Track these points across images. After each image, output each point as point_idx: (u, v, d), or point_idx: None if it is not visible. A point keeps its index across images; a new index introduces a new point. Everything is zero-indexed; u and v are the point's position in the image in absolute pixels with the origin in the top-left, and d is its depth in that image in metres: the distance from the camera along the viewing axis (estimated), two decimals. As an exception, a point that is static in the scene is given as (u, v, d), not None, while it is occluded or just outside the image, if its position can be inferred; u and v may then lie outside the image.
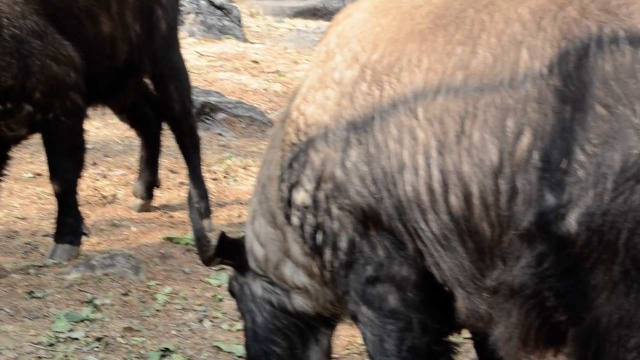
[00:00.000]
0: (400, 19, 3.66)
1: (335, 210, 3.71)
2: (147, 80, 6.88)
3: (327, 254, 3.82)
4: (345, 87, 3.67)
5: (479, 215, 3.27)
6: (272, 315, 4.24)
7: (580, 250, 3.08)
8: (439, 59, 3.41)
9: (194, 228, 4.36)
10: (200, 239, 4.31)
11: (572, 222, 3.07)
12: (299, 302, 4.19)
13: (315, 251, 3.88)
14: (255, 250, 4.24)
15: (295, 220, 3.90)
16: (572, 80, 3.11)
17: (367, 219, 3.62)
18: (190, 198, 4.50)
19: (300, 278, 4.12)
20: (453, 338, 3.95)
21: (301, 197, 3.82)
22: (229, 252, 4.30)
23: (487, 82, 3.26)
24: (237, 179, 8.17)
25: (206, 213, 6.99)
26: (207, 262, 4.41)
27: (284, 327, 4.25)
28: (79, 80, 5.85)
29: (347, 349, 5.36)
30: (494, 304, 3.39)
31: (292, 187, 3.86)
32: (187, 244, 6.57)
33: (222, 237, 4.25)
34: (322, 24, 21.30)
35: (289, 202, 3.91)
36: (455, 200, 3.31)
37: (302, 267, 4.08)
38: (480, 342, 4.02)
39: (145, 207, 7.33)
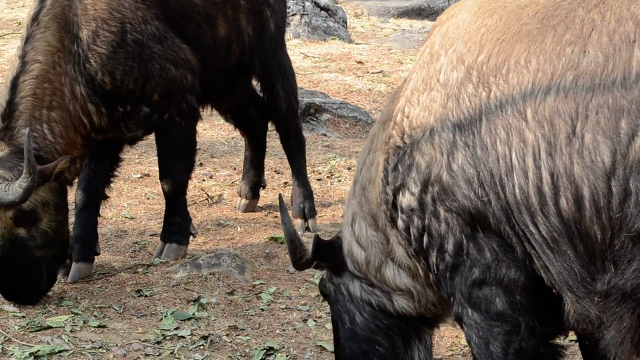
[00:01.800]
0: (506, 19, 3.62)
1: (442, 213, 3.69)
2: (252, 81, 6.94)
3: (433, 257, 3.81)
4: (451, 89, 3.66)
5: (590, 217, 3.23)
6: (373, 315, 4.24)
7: None
8: (548, 60, 3.38)
9: (285, 232, 4.37)
10: (294, 242, 4.33)
11: None
12: (401, 304, 4.19)
13: (421, 254, 3.87)
14: (355, 252, 4.24)
15: (400, 223, 3.90)
16: None
17: (475, 222, 3.61)
18: (281, 201, 4.50)
19: (402, 280, 4.11)
20: (559, 341, 3.89)
21: (407, 200, 3.82)
22: (324, 254, 4.31)
23: (598, 82, 3.22)
24: (342, 180, 8.18)
25: (311, 213, 7.01)
26: (301, 266, 4.42)
27: (385, 327, 4.25)
28: (195, 83, 5.96)
29: (451, 350, 5.32)
30: (605, 308, 3.34)
31: (398, 190, 3.86)
32: (291, 243, 6.61)
33: (318, 240, 4.27)
34: (427, 23, 21.19)
35: (394, 205, 3.91)
36: (565, 203, 3.28)
37: (405, 269, 4.08)
38: (590, 345, 3.95)
39: (251, 207, 7.38)
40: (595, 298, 3.35)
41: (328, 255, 4.33)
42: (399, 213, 3.88)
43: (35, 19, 5.39)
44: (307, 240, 4.38)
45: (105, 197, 6.28)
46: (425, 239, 3.80)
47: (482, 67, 3.57)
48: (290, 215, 7.11)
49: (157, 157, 6.29)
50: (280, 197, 4.54)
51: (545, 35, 3.43)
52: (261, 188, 7.51)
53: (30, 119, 5.24)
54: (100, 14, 5.52)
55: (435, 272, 3.84)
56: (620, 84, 3.17)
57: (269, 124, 7.28)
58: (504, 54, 3.52)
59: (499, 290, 3.65)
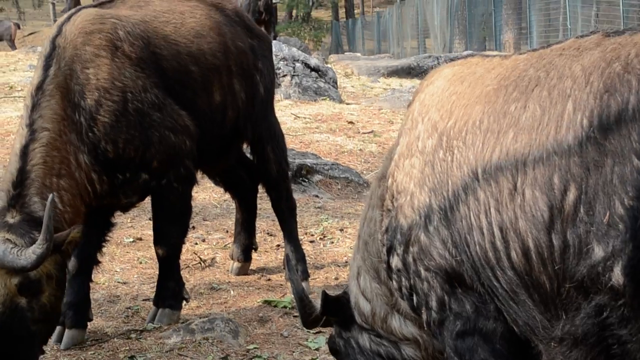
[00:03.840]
0: (474, 84, 3.77)
1: (423, 272, 3.82)
2: (245, 144, 6.99)
3: (424, 313, 3.91)
4: (427, 156, 3.81)
5: (538, 269, 3.34)
6: None
7: (631, 300, 3.12)
8: (496, 119, 3.52)
9: (294, 290, 4.45)
10: (302, 300, 4.42)
11: (618, 273, 3.11)
12: (409, 353, 4.27)
13: (415, 311, 3.99)
14: (361, 305, 4.34)
15: (394, 282, 4.04)
16: (612, 133, 3.16)
17: (452, 279, 3.73)
18: (288, 260, 4.56)
19: (409, 329, 4.21)
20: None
21: (395, 261, 3.97)
22: (333, 309, 4.41)
23: (535, 137, 3.34)
24: (334, 241, 8.19)
25: (304, 276, 7.01)
26: (310, 323, 4.51)
27: None
28: (194, 148, 6.01)
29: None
30: (562, 353, 3.43)
31: (389, 251, 4.00)
32: (285, 307, 6.59)
33: (326, 296, 4.36)
34: (416, 82, 21.37)
35: (388, 265, 4.05)
36: (516, 256, 3.39)
37: (411, 319, 4.17)
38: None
39: (243, 270, 7.38)
40: (553, 343, 3.45)
41: (336, 310, 4.42)
42: (392, 273, 4.02)
43: (39, 87, 5.44)
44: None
45: (98, 262, 6.26)
46: (414, 297, 3.93)
47: (450, 132, 3.71)
48: (283, 277, 7.14)
49: (150, 221, 6.30)
50: (286, 257, 4.62)
51: (498, 96, 3.57)
52: (253, 250, 7.52)
53: (42, 187, 5.25)
54: (102, 84, 5.58)
55: (428, 327, 3.96)
56: (552, 138, 3.29)
57: (260, 187, 7.30)
58: (466, 117, 3.66)
59: (480, 340, 3.74)
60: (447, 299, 3.77)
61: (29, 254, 4.82)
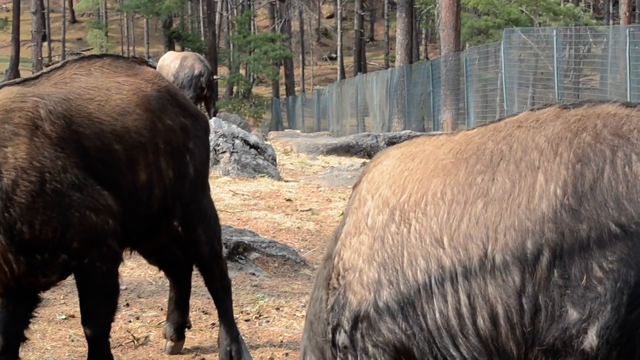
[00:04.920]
0: (425, 160, 3.86)
1: (370, 349, 3.81)
2: (175, 224, 6.91)
3: None
4: (377, 231, 3.82)
5: (506, 334, 3.39)
6: None
7: None
8: (461, 190, 3.60)
9: None
10: None
11: (593, 335, 3.20)
12: None
13: None
14: None
15: None
16: (587, 200, 3.30)
17: (400, 355, 3.71)
18: (222, 340, 4.49)
19: None
20: None
21: (342, 338, 3.94)
22: None
23: (505, 206, 3.44)
24: (270, 320, 8.12)
25: (238, 356, 6.92)
26: None
27: None
28: (117, 227, 5.90)
29: None
30: None
31: (335, 329, 3.98)
32: (218, 387, 6.51)
33: None
34: (355, 160, 21.55)
35: (333, 343, 4.03)
36: (482, 322, 3.43)
37: None
38: None
39: (177, 349, 7.27)
40: None
41: None
42: (337, 351, 4.00)
43: None
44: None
45: (25, 339, 6.12)
46: None
47: (404, 205, 3.76)
48: (217, 357, 7.05)
49: (80, 300, 6.19)
50: (220, 336, 4.59)
51: (459, 168, 3.66)
52: (187, 329, 7.43)
53: None
54: (20, 163, 5.46)
55: None
56: (525, 207, 3.39)
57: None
58: (423, 189, 3.73)
59: None
60: None
61: None
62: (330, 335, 4.02)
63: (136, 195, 6.13)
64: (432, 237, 3.60)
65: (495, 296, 3.38)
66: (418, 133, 25.72)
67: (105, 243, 5.83)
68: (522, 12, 40.74)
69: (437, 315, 3.54)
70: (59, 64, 6.42)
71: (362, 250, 3.86)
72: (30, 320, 6.08)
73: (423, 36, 74.12)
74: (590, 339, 3.21)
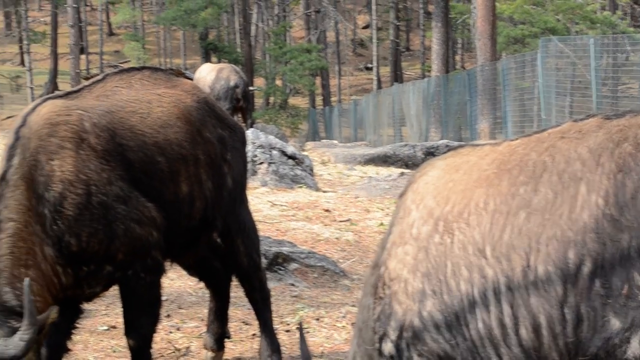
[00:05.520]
0: (469, 171, 3.90)
1: (415, 358, 3.86)
2: (214, 235, 6.94)
3: None
4: (421, 242, 3.87)
5: (548, 344, 3.41)
6: None
7: None
8: (504, 201, 3.63)
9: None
10: None
11: (636, 344, 3.21)
12: None
13: None
14: None
15: None
16: (629, 209, 3.32)
17: None
18: (301, 330, 4.54)
19: None
20: None
21: (388, 347, 3.99)
22: None
23: (548, 217, 3.47)
24: (310, 331, 8.13)
25: (278, 366, 6.94)
26: None
27: None
28: (160, 239, 5.95)
29: None
30: None
31: (381, 338, 4.04)
32: (259, 397, 6.52)
33: None
34: (393, 170, 21.51)
35: (380, 352, 4.08)
36: (525, 332, 3.46)
37: None
38: None
39: (218, 360, 7.31)
40: None
41: None
42: None
43: (3, 178, 5.39)
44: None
45: (68, 350, 6.18)
46: None
47: (448, 216, 3.80)
48: (258, 368, 7.07)
49: (123, 311, 6.24)
50: (300, 325, 4.65)
51: (501, 179, 3.70)
52: (227, 339, 7.45)
53: (11, 277, 5.19)
54: (67, 176, 5.53)
55: None
56: (567, 217, 3.42)
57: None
58: (466, 200, 3.77)
59: None
60: None
61: (16, 342, 4.75)
62: (377, 344, 4.07)
63: (178, 207, 6.18)
64: (475, 248, 3.63)
65: (538, 306, 3.40)
66: (455, 143, 25.63)
67: (149, 254, 5.88)
68: (559, 20, 40.55)
69: (480, 325, 3.57)
70: (99, 77, 6.49)
71: (406, 261, 3.91)
72: (73, 331, 6.14)
73: (459, 46, 73.96)
74: (634, 348, 3.22)
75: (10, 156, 5.46)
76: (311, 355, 4.47)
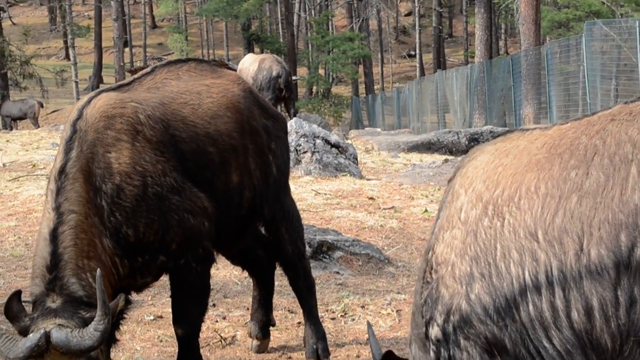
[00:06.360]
0: (519, 155, 3.91)
1: (462, 342, 3.87)
2: (259, 224, 6.98)
3: None
4: (470, 226, 3.89)
5: (600, 327, 3.44)
6: None
7: None
8: (556, 185, 3.64)
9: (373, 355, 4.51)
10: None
11: None
12: None
13: None
14: None
15: (432, 354, 4.09)
16: None
17: (492, 347, 3.77)
18: (369, 327, 4.66)
19: None
20: None
21: (435, 331, 4.02)
22: None
23: (600, 200, 3.48)
24: (355, 318, 8.14)
25: (324, 354, 6.96)
26: None
27: None
28: (212, 228, 6.00)
29: None
30: None
31: (428, 322, 4.07)
32: (305, 385, 6.54)
33: (388, 355, 4.36)
34: (437, 157, 21.43)
35: (427, 336, 4.11)
36: (576, 315, 3.49)
37: None
38: None
39: (263, 348, 7.34)
40: None
41: None
42: (430, 344, 4.09)
43: (62, 171, 5.46)
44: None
45: (116, 341, 6.23)
46: None
47: (497, 200, 3.82)
48: (304, 355, 7.08)
49: (170, 300, 6.28)
50: (368, 323, 4.77)
51: (552, 163, 3.72)
52: (272, 327, 7.48)
53: (76, 268, 5.25)
54: (124, 168, 5.60)
55: None
56: (618, 199, 3.44)
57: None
58: (516, 184, 3.79)
59: None
60: None
61: (92, 332, 4.81)
62: (423, 329, 4.10)
63: (229, 196, 6.24)
64: (527, 231, 3.64)
65: (591, 289, 3.42)
66: (499, 128, 25.47)
67: (201, 244, 5.93)
68: (603, 3, 40.10)
69: (531, 307, 3.59)
70: (148, 70, 6.57)
71: (454, 245, 3.93)
72: (121, 321, 6.19)
73: (502, 31, 73.46)
74: None
75: (68, 149, 5.54)
76: (381, 352, 4.49)
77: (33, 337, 4.78)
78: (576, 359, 3.52)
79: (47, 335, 4.78)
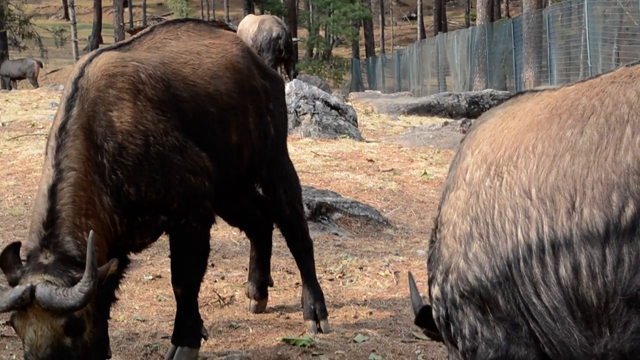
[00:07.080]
0: (524, 117, 3.94)
1: (458, 299, 3.93)
2: (257, 184, 6.99)
3: (459, 343, 4.01)
4: (473, 187, 3.94)
5: (587, 283, 3.47)
6: None
7: None
8: (551, 144, 3.68)
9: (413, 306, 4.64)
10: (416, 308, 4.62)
11: None
12: None
13: (451, 342, 4.10)
14: None
15: (434, 313, 4.16)
16: None
17: (485, 304, 3.83)
18: (410, 277, 4.72)
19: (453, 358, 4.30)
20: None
21: (435, 290, 4.09)
22: (427, 324, 4.45)
23: (593, 159, 3.51)
24: (353, 279, 8.17)
25: (322, 314, 6.99)
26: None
27: None
28: (212, 188, 6.00)
29: None
30: None
31: (430, 281, 4.14)
32: (303, 345, 6.57)
33: (425, 309, 4.44)
34: (437, 120, 21.41)
35: (430, 295, 4.18)
36: (564, 271, 3.52)
37: (452, 351, 4.23)
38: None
39: (261, 308, 7.37)
40: None
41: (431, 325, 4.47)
42: (432, 303, 4.16)
43: (63, 128, 5.45)
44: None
45: (115, 300, 6.26)
46: (451, 327, 4.04)
47: (499, 160, 3.86)
48: (302, 316, 7.12)
49: (169, 260, 6.30)
50: (410, 274, 4.86)
51: (552, 123, 3.74)
52: (269, 287, 7.51)
53: (72, 226, 5.24)
54: (125, 127, 5.58)
55: (464, 357, 4.02)
56: (611, 159, 3.45)
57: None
58: (517, 143, 3.83)
59: None
60: (479, 326, 3.87)
61: (76, 293, 4.81)
62: (427, 287, 4.18)
63: (228, 156, 6.24)
64: (521, 189, 3.68)
65: (579, 247, 3.45)
66: (500, 92, 25.43)
67: (201, 204, 5.94)
68: (606, -34, 39.84)
69: (522, 264, 3.63)
70: (147, 29, 6.56)
71: (457, 205, 3.97)
72: (120, 281, 6.20)
73: (504, -6, 73.08)
74: None
75: (69, 107, 5.52)
76: (422, 303, 4.55)
77: (18, 290, 4.79)
78: (562, 315, 3.56)
79: (32, 290, 4.77)
